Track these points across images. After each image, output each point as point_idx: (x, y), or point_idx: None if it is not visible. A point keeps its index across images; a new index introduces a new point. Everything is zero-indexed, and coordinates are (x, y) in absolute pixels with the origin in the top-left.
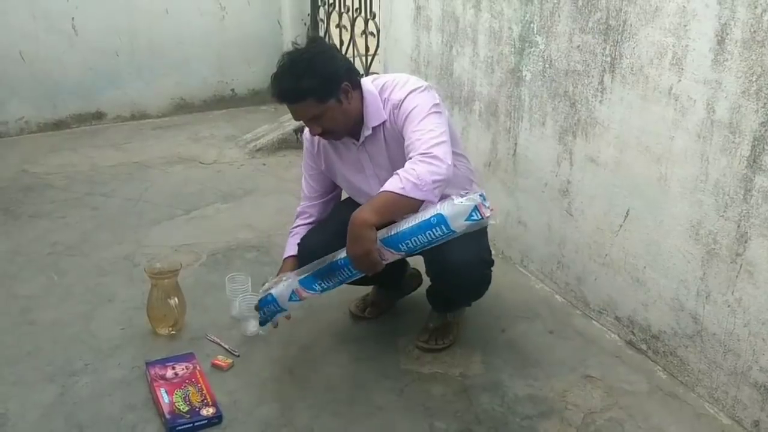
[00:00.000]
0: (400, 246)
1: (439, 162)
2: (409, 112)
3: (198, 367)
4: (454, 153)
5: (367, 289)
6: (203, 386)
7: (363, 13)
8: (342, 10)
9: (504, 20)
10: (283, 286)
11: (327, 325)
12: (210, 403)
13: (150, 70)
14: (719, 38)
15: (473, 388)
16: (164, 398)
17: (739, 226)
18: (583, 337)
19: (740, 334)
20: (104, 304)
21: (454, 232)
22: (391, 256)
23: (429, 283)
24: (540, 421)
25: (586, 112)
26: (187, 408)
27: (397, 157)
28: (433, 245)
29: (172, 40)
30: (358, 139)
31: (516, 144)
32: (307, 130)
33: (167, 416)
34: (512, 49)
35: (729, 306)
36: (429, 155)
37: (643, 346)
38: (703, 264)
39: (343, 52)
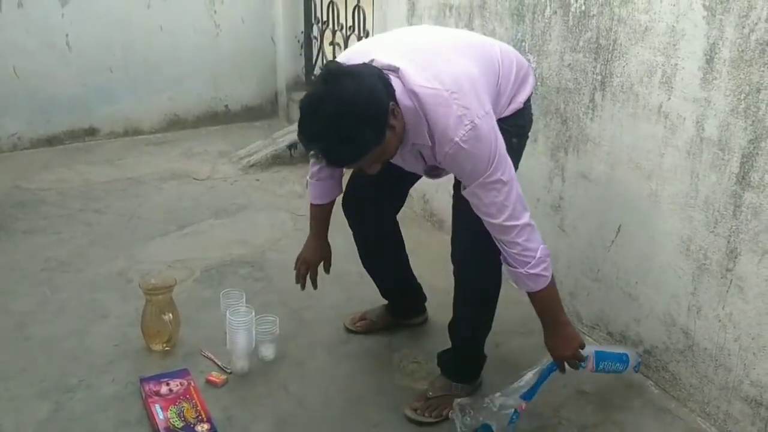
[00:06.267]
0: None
1: (530, 228)
2: (466, 176)
3: (192, 384)
4: (501, 62)
5: (366, 306)
6: (198, 402)
7: (356, 31)
8: (335, 27)
9: (496, 39)
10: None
11: (321, 341)
12: (205, 419)
13: (144, 86)
14: (708, 57)
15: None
16: (159, 414)
17: (729, 242)
18: None
19: (731, 348)
20: (98, 320)
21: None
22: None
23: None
24: None
25: (577, 129)
26: (182, 424)
27: (431, 170)
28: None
29: (166, 56)
30: None
31: None
32: None
33: None
34: None
35: (720, 321)
36: (518, 228)
37: None
38: (694, 279)
39: None
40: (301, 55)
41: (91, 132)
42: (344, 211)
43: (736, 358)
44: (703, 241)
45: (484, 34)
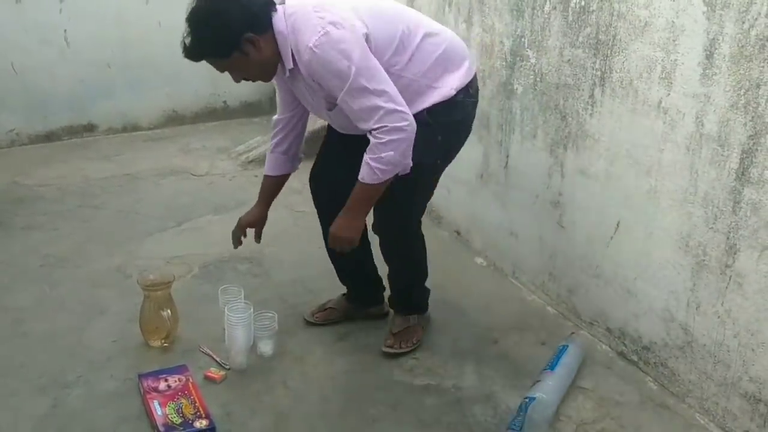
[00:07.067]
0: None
1: (399, 133)
2: (329, 82)
3: (191, 380)
4: (424, 37)
5: (329, 296)
6: (196, 398)
7: None
8: None
9: (495, 35)
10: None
11: (320, 336)
12: (203, 416)
13: (142, 82)
14: (708, 53)
15: (466, 399)
16: (157, 410)
17: (728, 238)
18: None
19: (730, 344)
20: (97, 316)
21: None
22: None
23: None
24: None
25: (576, 125)
26: (180, 420)
27: (325, 97)
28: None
29: (164, 52)
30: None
31: (508, 156)
32: None
33: (160, 429)
34: (504, 63)
35: (719, 317)
36: (386, 130)
37: (634, 357)
38: (693, 275)
39: None
40: None
41: (90, 128)
42: (311, 188)
43: (735, 354)
44: (703, 237)
45: (484, 30)
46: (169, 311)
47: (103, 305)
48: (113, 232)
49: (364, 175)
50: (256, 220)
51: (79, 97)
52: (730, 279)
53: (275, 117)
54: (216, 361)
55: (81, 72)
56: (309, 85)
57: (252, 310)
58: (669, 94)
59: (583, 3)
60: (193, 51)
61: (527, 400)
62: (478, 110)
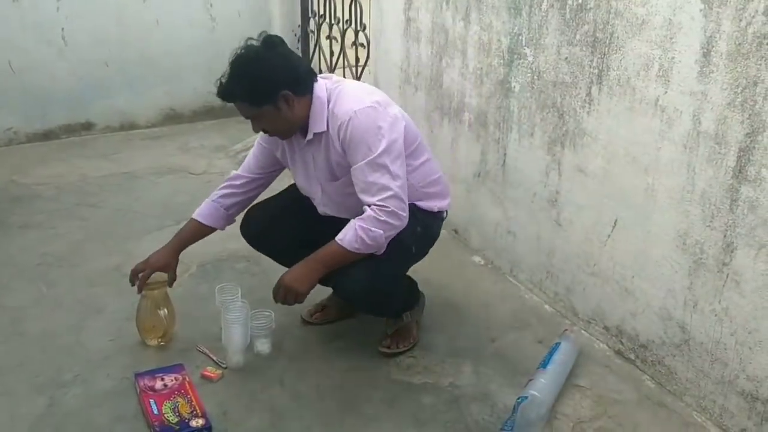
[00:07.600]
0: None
1: (396, 219)
2: (356, 147)
3: (187, 379)
4: (428, 159)
5: (323, 295)
6: (193, 397)
7: (353, 25)
8: (332, 21)
9: (493, 32)
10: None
11: (316, 335)
12: (199, 415)
13: (140, 81)
14: (705, 50)
15: (463, 398)
16: (154, 409)
17: (725, 236)
18: None
19: (727, 343)
20: (93, 315)
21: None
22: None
23: None
24: None
25: (574, 123)
26: (176, 419)
27: (336, 166)
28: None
29: (162, 50)
30: (305, 138)
31: (505, 154)
32: None
33: (157, 428)
34: (501, 61)
35: (716, 315)
36: (386, 211)
37: (632, 356)
38: (691, 273)
39: (333, 63)
40: (297, 48)
41: (87, 126)
42: (248, 231)
43: (732, 352)
44: (700, 236)
45: (481, 27)
46: (166, 310)
47: (101, 304)
48: (111, 231)
49: (347, 238)
50: (167, 266)
51: (77, 96)
52: (727, 277)
53: (235, 172)
54: (213, 360)
55: (79, 70)
56: (327, 149)
57: (249, 309)
58: (666, 92)
59: (580, 1)
60: (228, 92)
61: (519, 399)
62: (476, 108)
